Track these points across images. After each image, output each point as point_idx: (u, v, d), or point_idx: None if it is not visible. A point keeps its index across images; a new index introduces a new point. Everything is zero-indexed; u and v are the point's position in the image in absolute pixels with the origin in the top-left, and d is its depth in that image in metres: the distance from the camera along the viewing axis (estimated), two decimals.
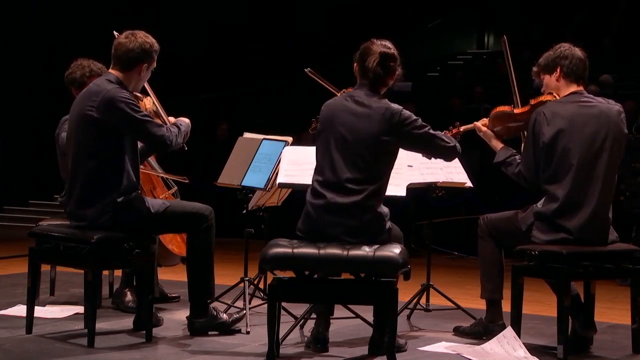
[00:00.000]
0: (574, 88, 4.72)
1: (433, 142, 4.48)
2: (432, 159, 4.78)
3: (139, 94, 5.04)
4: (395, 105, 4.44)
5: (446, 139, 4.53)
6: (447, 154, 4.61)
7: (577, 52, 4.75)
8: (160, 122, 4.78)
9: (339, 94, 4.79)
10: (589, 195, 4.55)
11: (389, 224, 4.43)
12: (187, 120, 4.97)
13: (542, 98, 4.78)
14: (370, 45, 4.50)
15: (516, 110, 4.88)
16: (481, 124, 4.98)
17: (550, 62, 4.75)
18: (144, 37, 4.78)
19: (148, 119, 4.67)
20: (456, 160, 5.61)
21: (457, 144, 4.59)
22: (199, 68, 14.51)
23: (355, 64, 4.55)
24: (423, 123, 4.46)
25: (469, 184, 5.64)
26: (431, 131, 4.47)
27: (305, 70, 5.36)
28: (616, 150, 4.66)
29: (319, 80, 5.34)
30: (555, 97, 4.75)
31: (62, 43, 13.12)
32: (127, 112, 4.60)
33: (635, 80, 12.40)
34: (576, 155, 4.56)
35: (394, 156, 4.47)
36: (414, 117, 4.44)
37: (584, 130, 4.59)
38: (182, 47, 14.18)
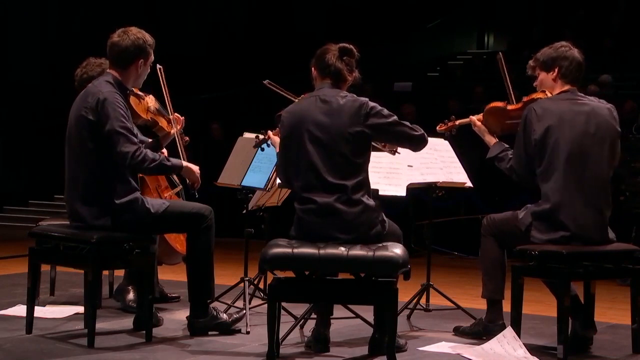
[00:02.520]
0: (567, 88, 4.75)
1: (401, 130, 4.47)
2: (407, 150, 4.73)
3: (140, 92, 5.03)
4: (361, 98, 4.46)
5: (414, 128, 4.52)
6: (414, 142, 4.55)
7: (577, 54, 4.76)
8: (136, 140, 4.64)
9: (296, 99, 4.77)
10: (579, 191, 4.56)
11: (381, 215, 4.44)
12: (184, 163, 4.84)
13: (534, 96, 4.83)
14: (327, 47, 4.54)
15: (509, 107, 4.93)
16: (476, 119, 5.02)
17: (550, 60, 4.76)
18: (136, 33, 4.77)
19: (124, 132, 4.57)
20: (456, 160, 5.63)
21: (425, 134, 4.55)
22: (199, 68, 14.51)
23: (313, 69, 4.57)
24: (390, 112, 4.47)
25: (469, 184, 5.64)
26: (398, 120, 4.47)
27: (264, 82, 5.31)
28: (608, 147, 4.66)
29: (278, 91, 5.29)
30: (547, 95, 4.78)
31: (62, 43, 13.12)
32: (110, 118, 4.57)
33: (635, 80, 12.42)
34: (566, 151, 4.58)
35: (368, 148, 4.48)
36: (380, 107, 4.45)
37: (574, 126, 4.62)
38: (182, 47, 14.18)
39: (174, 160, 4.85)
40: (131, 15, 12.89)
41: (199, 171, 4.90)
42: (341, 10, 15.84)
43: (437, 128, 5.23)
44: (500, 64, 5.10)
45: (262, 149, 4.97)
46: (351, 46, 4.54)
